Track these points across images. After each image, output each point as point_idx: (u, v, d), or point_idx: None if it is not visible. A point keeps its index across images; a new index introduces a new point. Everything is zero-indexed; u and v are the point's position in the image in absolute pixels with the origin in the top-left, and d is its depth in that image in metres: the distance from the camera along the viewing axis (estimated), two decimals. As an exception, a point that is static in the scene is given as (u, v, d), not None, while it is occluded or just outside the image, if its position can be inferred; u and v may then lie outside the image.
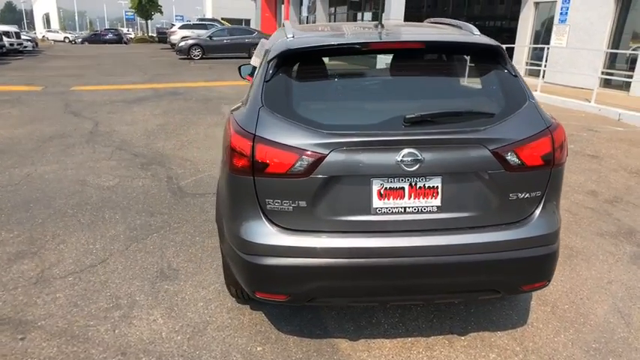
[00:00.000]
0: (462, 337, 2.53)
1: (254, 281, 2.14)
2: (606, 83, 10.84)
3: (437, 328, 2.61)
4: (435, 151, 1.95)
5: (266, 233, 2.07)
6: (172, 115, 8.54)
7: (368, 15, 25.20)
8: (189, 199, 4.50)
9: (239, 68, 4.56)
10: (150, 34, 49.57)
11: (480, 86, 2.19)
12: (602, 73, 10.06)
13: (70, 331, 2.52)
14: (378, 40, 2.21)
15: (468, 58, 2.29)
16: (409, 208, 2.02)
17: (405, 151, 1.93)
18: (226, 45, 20.61)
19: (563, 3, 12.09)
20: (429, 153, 1.94)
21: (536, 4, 13.67)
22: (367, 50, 2.25)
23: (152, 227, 3.86)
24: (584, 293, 2.98)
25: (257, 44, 22.16)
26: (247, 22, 46.03)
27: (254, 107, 2.15)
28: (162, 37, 32.98)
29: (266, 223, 2.08)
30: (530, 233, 2.08)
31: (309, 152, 1.94)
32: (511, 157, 1.99)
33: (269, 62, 2.26)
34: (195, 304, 2.81)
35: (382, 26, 2.49)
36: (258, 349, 2.44)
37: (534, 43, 13.64)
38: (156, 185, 4.86)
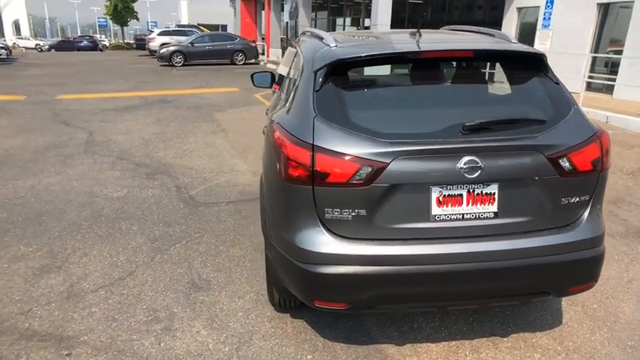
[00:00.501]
0: (505, 339, 2.60)
1: (313, 290, 2.15)
2: (588, 87, 11.24)
3: (478, 330, 2.67)
4: (493, 158, 2.01)
5: (325, 242, 2.08)
6: (166, 123, 8.44)
7: (348, 20, 25.49)
8: (203, 209, 4.46)
9: (252, 76, 4.56)
10: (126, 41, 48.78)
11: (526, 93, 2.27)
12: (587, 76, 10.43)
13: (114, 345, 2.47)
14: (431, 49, 2.26)
15: (512, 65, 2.36)
16: (467, 214, 2.07)
17: (466, 158, 1.98)
18: (208, 51, 20.47)
19: (546, 8, 12.49)
20: (488, 160, 2.00)
21: (519, 9, 14.08)
22: (417, 59, 2.30)
23: (173, 238, 3.82)
24: (608, 292, 3.09)
25: (240, 50, 21.97)
26: (224, 27, 45.82)
27: (306, 117, 2.16)
28: (141, 43, 32.46)
29: (324, 232, 2.09)
30: (580, 236, 2.15)
31: (370, 161, 1.98)
32: (564, 163, 2.06)
33: (316, 72, 2.29)
34: (235, 314, 2.79)
35: (420, 34, 2.55)
36: (308, 357, 2.45)
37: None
38: (166, 195, 4.80)
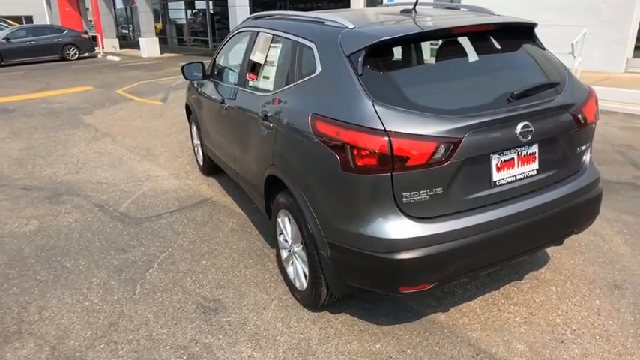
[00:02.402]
0: (523, 281, 2.91)
1: (399, 278, 2.11)
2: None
3: (498, 280, 2.93)
4: (539, 121, 2.19)
5: (405, 227, 2.05)
6: (28, 135, 7.05)
7: (180, 4, 24.00)
8: (149, 225, 3.92)
9: (182, 68, 4.08)
10: None
11: (537, 60, 2.50)
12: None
13: (170, 399, 2.09)
14: (460, 25, 2.31)
15: (520, 36, 2.57)
16: (518, 175, 2.24)
17: (522, 124, 2.13)
18: (31, 47, 17.40)
19: (389, -16, 13.53)
20: (535, 123, 2.18)
21: (363, -15, 15.01)
22: (449, 35, 2.34)
23: (139, 263, 3.29)
24: None
25: (72, 43, 19.24)
26: (29, 19, 39.26)
27: (360, 102, 2.06)
28: None
29: (403, 216, 2.06)
30: (590, 179, 2.51)
31: (447, 139, 1.99)
32: (581, 117, 2.36)
33: (351, 55, 2.18)
34: (275, 327, 2.58)
35: (416, 12, 2.60)
36: (377, 346, 2.41)
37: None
38: (92, 218, 4.08)
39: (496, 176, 2.18)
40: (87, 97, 10.22)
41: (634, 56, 9.66)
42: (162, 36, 23.25)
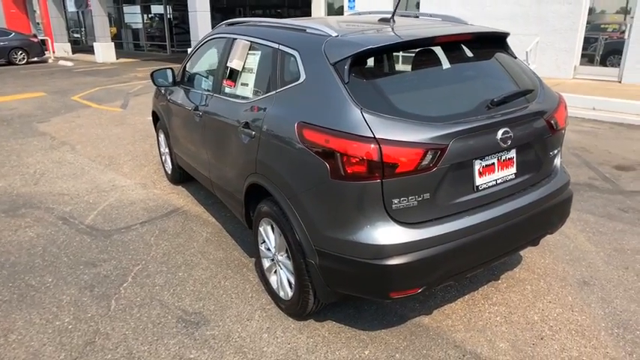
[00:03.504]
0: (499, 281, 3.00)
1: (389, 283, 2.12)
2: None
3: (477, 282, 3.01)
4: (517, 127, 2.28)
5: (395, 233, 2.08)
6: (-23, 145, 6.62)
7: (136, 8, 23.37)
8: (118, 237, 3.77)
9: (152, 75, 3.96)
10: None
11: (510, 68, 2.59)
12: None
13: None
14: (442, 34, 2.36)
15: (494, 45, 2.66)
16: (498, 179, 2.32)
17: (502, 130, 2.21)
18: (-27, 51, 16.43)
19: (350, -10, 13.74)
20: (514, 129, 2.26)
21: (325, -7, 15.18)
22: (431, 44, 2.39)
23: (112, 278, 3.16)
24: None
25: (19, 47, 18.35)
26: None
27: (347, 110, 2.07)
28: None
29: (392, 222, 2.08)
30: (562, 182, 2.63)
31: (434, 145, 2.03)
32: (554, 123, 2.47)
33: (336, 64, 2.19)
34: (261, 338, 2.54)
35: (394, 21, 2.64)
36: (366, 352, 2.42)
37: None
38: (56, 231, 3.88)
39: (478, 181, 2.25)
40: (40, 103, 9.73)
41: (581, 63, 10.26)
42: (117, 40, 22.49)
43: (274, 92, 2.56)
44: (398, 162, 1.99)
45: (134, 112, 8.59)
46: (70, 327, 2.65)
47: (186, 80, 3.95)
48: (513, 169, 2.38)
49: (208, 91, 3.41)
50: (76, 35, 27.91)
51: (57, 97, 10.44)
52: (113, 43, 18.45)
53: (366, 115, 2.04)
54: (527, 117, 2.34)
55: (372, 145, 1.98)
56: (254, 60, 2.87)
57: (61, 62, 17.86)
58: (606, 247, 3.44)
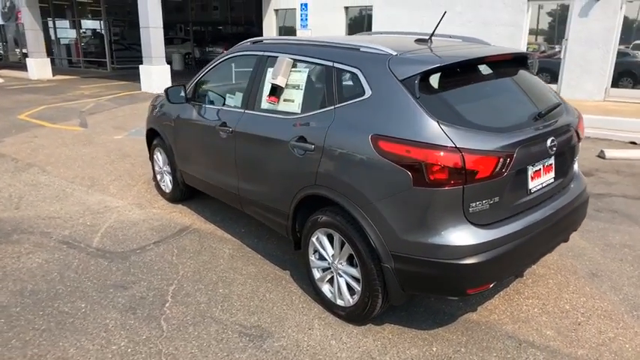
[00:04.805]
0: (525, 277, 3.29)
1: (468, 281, 2.31)
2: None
3: (506, 279, 3.28)
4: (559, 136, 2.59)
5: (472, 234, 2.28)
6: None
7: (65, 22, 22.20)
8: (136, 258, 3.65)
9: (166, 91, 3.91)
10: None
11: (540, 85, 2.92)
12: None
13: None
14: (491, 54, 2.64)
15: (523, 64, 2.99)
16: (544, 183, 2.61)
17: (551, 138, 2.50)
18: None
19: (302, 10, 14.06)
20: (557, 138, 2.57)
21: (277, 11, 15.40)
22: (483, 62, 2.67)
23: (149, 299, 3.07)
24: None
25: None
26: None
27: (427, 123, 2.26)
28: None
29: (469, 224, 2.28)
30: (583, 185, 2.99)
31: (505, 153, 2.27)
32: (578, 132, 2.83)
33: (405, 80, 2.38)
34: (330, 344, 2.61)
35: (431, 41, 2.90)
36: (434, 349, 2.57)
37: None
38: (65, 256, 3.67)
39: (531, 184, 2.52)
40: (7, 124, 8.96)
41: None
42: (49, 57, 21.17)
43: (332, 107, 2.68)
44: (478, 169, 2.20)
45: (98, 132, 8.20)
46: (129, 350, 2.56)
47: (202, 97, 3.94)
48: (552, 174, 2.68)
49: (237, 107, 3.45)
50: (-4, 50, 25.94)
51: (1, 115, 9.68)
52: (49, 59, 17.38)
53: (443, 126, 2.24)
54: (565, 127, 2.67)
55: (456, 154, 2.17)
56: (300, 77, 2.98)
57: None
58: (598, 243, 3.88)
